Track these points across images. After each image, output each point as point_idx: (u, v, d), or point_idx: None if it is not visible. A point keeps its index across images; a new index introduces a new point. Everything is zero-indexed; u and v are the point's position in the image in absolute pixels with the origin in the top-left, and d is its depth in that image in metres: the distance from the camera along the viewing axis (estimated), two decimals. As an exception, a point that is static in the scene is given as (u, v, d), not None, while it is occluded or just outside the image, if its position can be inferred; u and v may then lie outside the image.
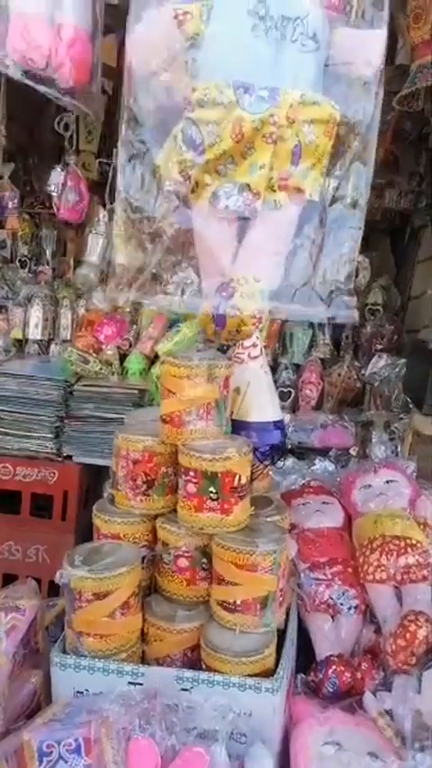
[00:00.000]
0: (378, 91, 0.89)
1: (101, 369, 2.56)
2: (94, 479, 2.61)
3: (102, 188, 2.57)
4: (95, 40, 0.99)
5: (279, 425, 1.31)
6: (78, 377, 2.54)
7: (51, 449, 2.40)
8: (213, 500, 1.12)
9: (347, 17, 0.86)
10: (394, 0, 2.13)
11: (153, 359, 2.83)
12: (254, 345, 1.27)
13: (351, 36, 0.87)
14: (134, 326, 2.95)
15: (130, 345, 2.86)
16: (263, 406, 1.28)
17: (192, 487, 1.14)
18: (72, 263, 3.50)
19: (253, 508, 1.19)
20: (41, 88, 0.97)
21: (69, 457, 2.42)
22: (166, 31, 0.82)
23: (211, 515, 1.13)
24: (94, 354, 2.65)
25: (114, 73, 2.87)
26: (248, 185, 0.84)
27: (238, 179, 0.84)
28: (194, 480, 1.13)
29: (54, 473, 2.40)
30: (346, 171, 0.89)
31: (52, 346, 2.87)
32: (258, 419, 1.27)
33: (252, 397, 1.27)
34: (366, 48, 0.88)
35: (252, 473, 1.21)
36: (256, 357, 1.28)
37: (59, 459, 2.41)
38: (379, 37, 0.89)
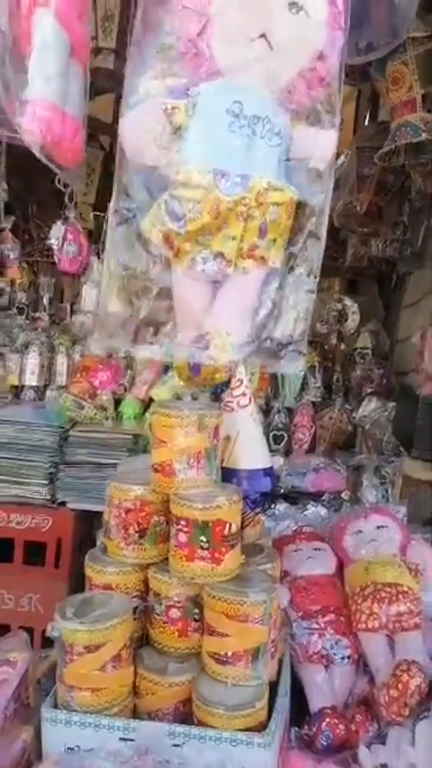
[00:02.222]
0: (330, 179, 1.04)
1: (96, 414, 2.59)
2: (88, 526, 2.60)
3: (97, 238, 2.66)
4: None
5: (269, 473, 1.32)
6: (73, 422, 2.56)
7: (45, 495, 2.40)
8: (204, 549, 1.13)
9: (306, 118, 1.02)
10: (375, 63, 2.29)
11: (148, 403, 2.87)
12: (243, 394, 1.31)
13: (308, 134, 1.02)
14: (129, 372, 2.99)
15: (125, 390, 2.90)
16: (253, 453, 1.31)
17: (183, 537, 1.15)
18: (69, 309, 3.58)
19: (244, 557, 1.20)
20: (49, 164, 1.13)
21: (63, 503, 2.42)
22: (155, 119, 0.96)
23: (202, 565, 1.14)
24: (90, 400, 2.69)
25: (111, 129, 3.01)
26: (222, 253, 1.00)
27: (214, 248, 0.99)
28: (185, 529, 1.14)
29: (48, 520, 2.39)
30: (302, 244, 1.06)
31: (48, 392, 2.90)
32: (248, 467, 1.29)
33: (242, 446, 1.29)
34: (320, 145, 1.02)
35: (243, 521, 1.23)
36: (245, 406, 1.31)
37: (53, 505, 2.41)
38: (331, 136, 1.03)
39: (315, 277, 1.10)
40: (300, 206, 1.04)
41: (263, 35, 0.91)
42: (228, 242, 0.98)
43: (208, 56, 0.92)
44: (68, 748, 1.08)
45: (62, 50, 1.06)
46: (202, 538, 1.13)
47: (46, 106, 1.03)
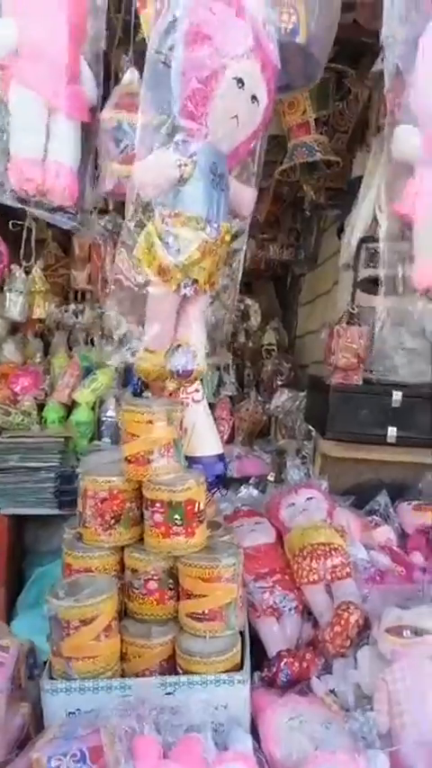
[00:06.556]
0: (247, 220, 1.41)
1: (23, 420, 2.64)
2: (20, 531, 2.63)
3: (15, 247, 2.69)
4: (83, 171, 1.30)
5: (221, 458, 1.53)
6: (-1, 429, 2.59)
7: (-23, 502, 2.42)
8: (179, 526, 1.31)
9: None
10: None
11: (70, 407, 2.94)
12: (197, 390, 1.50)
13: (238, 189, 1.32)
14: (47, 377, 3.04)
15: (46, 395, 2.95)
16: (207, 442, 1.50)
17: (158, 517, 1.31)
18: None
19: (209, 530, 1.39)
20: (35, 211, 1.27)
21: (-4, 509, 2.45)
22: (167, 168, 1.18)
23: (178, 539, 1.31)
24: (13, 406, 2.72)
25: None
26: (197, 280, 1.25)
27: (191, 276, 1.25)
28: (161, 510, 1.31)
29: (-20, 526, 2.41)
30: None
31: (-34, 400, 2.87)
32: (205, 453, 1.49)
33: (198, 435, 1.48)
34: (245, 198, 1.35)
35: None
36: (198, 401, 1.50)
37: (-14, 512, 2.43)
38: (253, 193, 1.36)
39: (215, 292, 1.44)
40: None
41: (235, 116, 1.19)
42: (201, 272, 1.23)
43: (205, 130, 1.19)
44: (70, 713, 1.21)
45: (31, 110, 1.20)
46: (176, 516, 1.31)
47: (21, 161, 1.21)
